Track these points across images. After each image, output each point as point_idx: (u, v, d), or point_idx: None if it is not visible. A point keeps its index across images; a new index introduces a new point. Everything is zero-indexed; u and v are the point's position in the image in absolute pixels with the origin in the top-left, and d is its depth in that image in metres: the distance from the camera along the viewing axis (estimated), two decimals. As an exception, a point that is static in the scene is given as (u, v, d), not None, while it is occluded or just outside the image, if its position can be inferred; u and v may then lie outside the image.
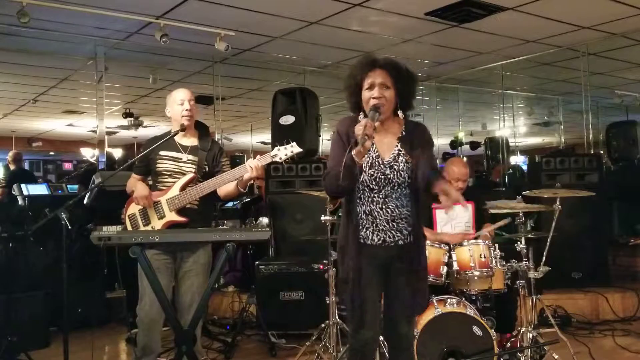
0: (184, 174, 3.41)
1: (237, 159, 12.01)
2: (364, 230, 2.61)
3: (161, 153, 3.45)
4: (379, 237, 2.60)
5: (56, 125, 12.04)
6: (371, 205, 2.59)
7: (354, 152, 2.36)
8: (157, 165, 3.46)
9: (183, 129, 3.46)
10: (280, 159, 3.28)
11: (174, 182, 3.40)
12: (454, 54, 7.23)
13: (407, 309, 2.65)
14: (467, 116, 11.68)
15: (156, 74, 7.47)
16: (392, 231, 2.60)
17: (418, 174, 2.55)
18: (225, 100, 8.93)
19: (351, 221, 2.62)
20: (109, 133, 9.19)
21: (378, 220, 2.59)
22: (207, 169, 3.47)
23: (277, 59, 7.28)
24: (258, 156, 3.26)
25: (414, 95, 2.65)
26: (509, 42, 6.71)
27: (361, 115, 2.57)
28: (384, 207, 2.58)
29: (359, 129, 2.34)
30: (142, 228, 3.37)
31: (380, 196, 2.58)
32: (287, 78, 8.11)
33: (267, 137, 7.31)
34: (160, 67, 7.42)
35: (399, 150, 2.60)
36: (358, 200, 2.61)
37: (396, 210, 2.59)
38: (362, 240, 2.61)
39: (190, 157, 3.46)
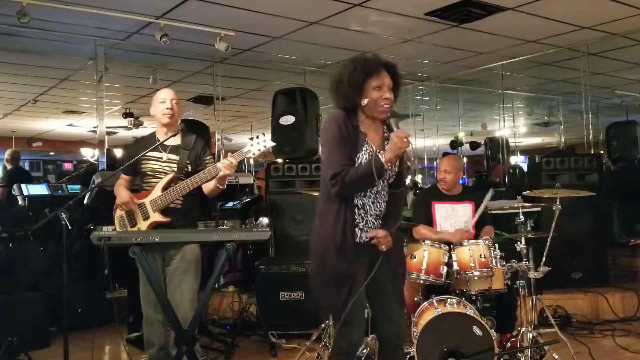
0: (167, 174, 3.47)
1: (237, 158, 12.02)
2: (356, 228, 2.60)
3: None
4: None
5: (56, 125, 12.03)
6: (364, 199, 2.61)
7: (384, 159, 2.46)
8: (142, 165, 3.52)
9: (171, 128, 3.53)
10: (254, 153, 3.36)
11: (157, 183, 3.46)
12: (454, 54, 7.22)
13: (395, 304, 2.69)
14: (467, 116, 11.67)
15: (156, 74, 7.46)
16: (377, 228, 2.63)
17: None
18: (225, 100, 8.92)
19: (344, 218, 2.54)
20: (109, 133, 9.16)
21: (368, 216, 2.61)
22: (189, 168, 3.51)
23: (277, 59, 7.28)
24: (230, 153, 3.34)
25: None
26: (509, 42, 6.71)
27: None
28: (375, 202, 2.62)
29: (403, 142, 2.43)
30: (129, 229, 3.44)
31: (372, 191, 2.62)
32: (287, 78, 8.10)
33: (267, 137, 7.31)
34: (160, 67, 7.41)
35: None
36: (355, 195, 2.61)
37: (382, 205, 2.64)
38: (357, 240, 2.59)
39: (172, 156, 3.50)
